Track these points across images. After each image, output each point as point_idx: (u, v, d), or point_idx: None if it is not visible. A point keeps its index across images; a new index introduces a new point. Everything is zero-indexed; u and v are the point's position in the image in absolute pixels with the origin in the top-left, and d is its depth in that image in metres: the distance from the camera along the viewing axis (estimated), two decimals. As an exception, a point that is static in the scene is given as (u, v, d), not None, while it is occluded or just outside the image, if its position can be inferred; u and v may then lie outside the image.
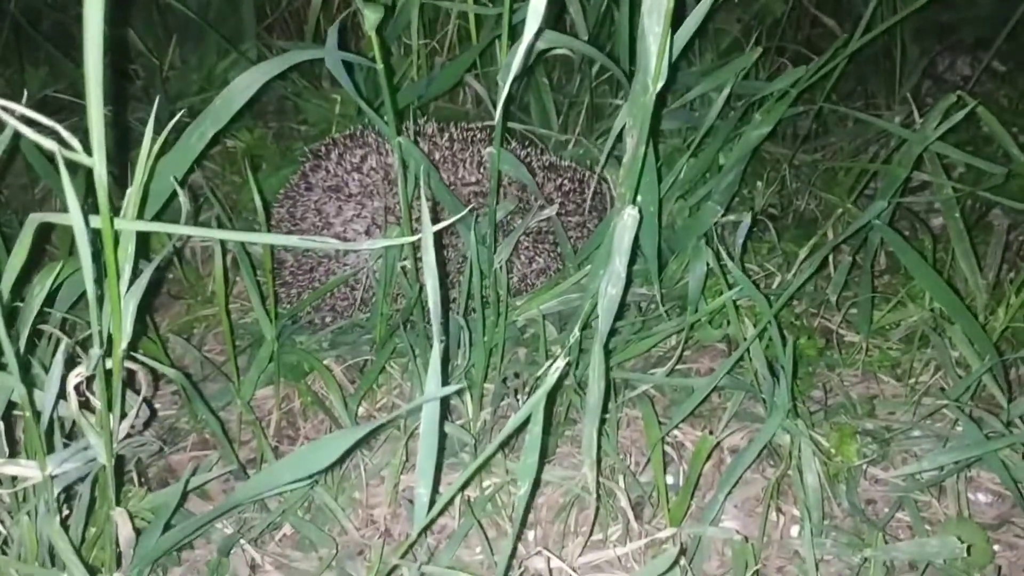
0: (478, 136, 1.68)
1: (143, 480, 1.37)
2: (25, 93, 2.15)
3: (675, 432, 1.51)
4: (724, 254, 1.46)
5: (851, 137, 2.33)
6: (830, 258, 1.79)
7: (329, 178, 1.62)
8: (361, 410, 1.55)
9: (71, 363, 0.94)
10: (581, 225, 1.69)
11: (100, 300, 0.82)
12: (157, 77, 2.27)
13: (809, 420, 1.47)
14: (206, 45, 2.30)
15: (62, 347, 0.85)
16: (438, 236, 1.58)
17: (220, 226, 1.49)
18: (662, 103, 1.83)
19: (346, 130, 2.10)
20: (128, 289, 0.80)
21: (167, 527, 1.04)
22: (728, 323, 1.51)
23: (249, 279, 1.48)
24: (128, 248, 0.80)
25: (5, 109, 0.62)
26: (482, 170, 1.62)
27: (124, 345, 0.80)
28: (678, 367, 1.62)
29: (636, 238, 1.41)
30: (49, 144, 0.65)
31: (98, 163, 0.67)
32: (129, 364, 0.91)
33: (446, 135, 1.65)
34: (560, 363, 0.91)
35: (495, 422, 1.47)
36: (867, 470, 1.44)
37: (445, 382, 0.93)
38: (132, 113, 2.20)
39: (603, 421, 1.44)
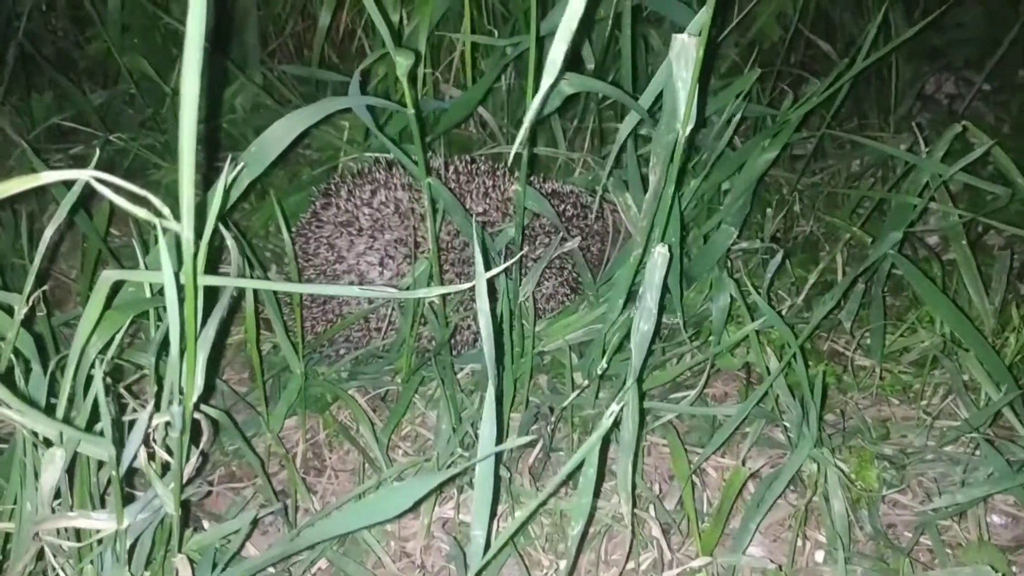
0: (482, 168, 1.71)
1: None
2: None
3: (693, 458, 1.54)
4: (750, 286, 1.49)
5: (849, 159, 2.39)
6: (837, 279, 1.84)
7: (340, 214, 1.64)
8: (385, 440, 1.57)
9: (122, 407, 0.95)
10: (584, 249, 1.71)
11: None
12: (165, 103, 2.27)
13: (830, 445, 1.51)
14: (211, 71, 2.30)
15: (149, 407, 0.85)
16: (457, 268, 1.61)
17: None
18: (692, 143, 1.86)
19: (352, 155, 2.13)
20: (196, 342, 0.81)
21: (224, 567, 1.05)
22: (748, 351, 1.55)
23: (275, 315, 1.49)
24: (198, 303, 0.81)
25: (103, 182, 0.63)
26: (488, 200, 1.65)
27: (195, 398, 0.82)
28: (694, 390, 1.65)
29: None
30: (142, 213, 0.67)
31: (186, 228, 0.69)
32: (196, 415, 0.92)
33: (451, 168, 1.67)
34: (614, 407, 0.94)
35: (522, 451, 1.48)
36: (885, 494, 1.48)
37: (501, 435, 0.95)
38: (142, 140, 2.19)
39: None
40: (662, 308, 1.51)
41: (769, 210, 1.90)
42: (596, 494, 1.33)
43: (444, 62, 2.26)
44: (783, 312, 1.81)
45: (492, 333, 0.95)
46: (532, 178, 1.78)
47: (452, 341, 1.64)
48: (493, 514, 0.98)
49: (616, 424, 1.19)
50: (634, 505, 1.40)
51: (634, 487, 1.25)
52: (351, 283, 1.62)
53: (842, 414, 1.61)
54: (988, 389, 1.48)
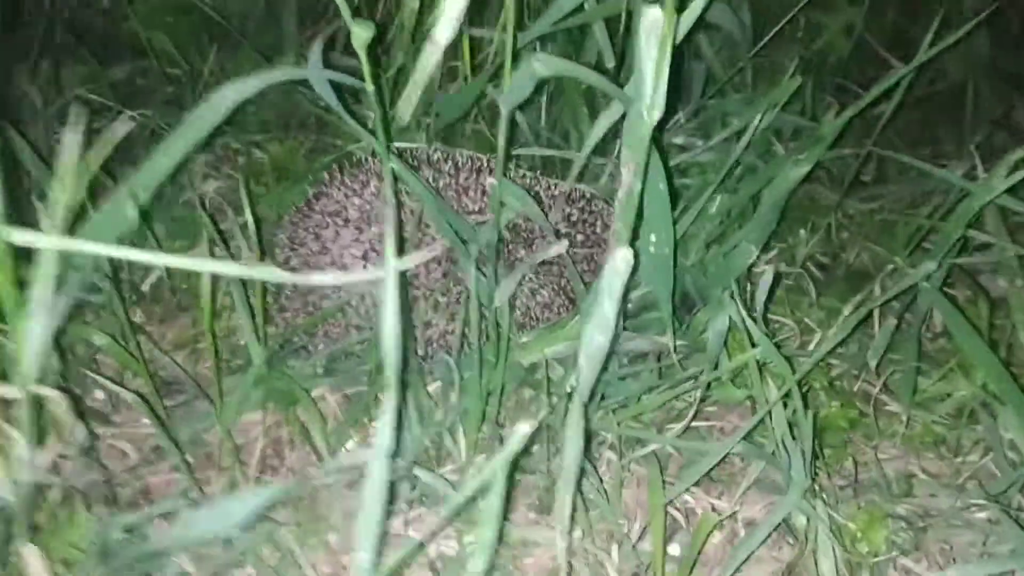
0: (485, 165, 1.59)
1: (111, 502, 1.31)
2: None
3: (686, 497, 1.38)
4: (752, 307, 1.34)
5: (912, 187, 2.19)
6: (875, 317, 1.65)
7: (330, 203, 1.55)
8: (352, 444, 1.45)
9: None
10: (589, 259, 1.58)
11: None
12: (190, 85, 2.23)
13: (836, 497, 1.34)
14: (241, 55, 2.25)
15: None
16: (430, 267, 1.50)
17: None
18: (661, 131, 1.69)
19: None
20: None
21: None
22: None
23: (240, 301, 1.41)
24: (48, 268, 0.72)
25: None
26: (486, 199, 1.54)
27: (34, 373, 0.72)
28: (701, 425, 1.50)
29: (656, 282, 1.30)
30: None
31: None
32: (45, 390, 0.82)
33: (450, 162, 1.56)
34: (527, 427, 0.80)
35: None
36: (897, 560, 1.29)
37: (399, 441, 0.82)
38: (164, 118, 2.16)
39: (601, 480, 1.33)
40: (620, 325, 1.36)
41: (803, 232, 1.72)
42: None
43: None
44: (810, 345, 1.64)
45: (395, 325, 0.83)
46: (544, 180, 1.65)
47: (429, 344, 1.53)
48: (385, 533, 0.86)
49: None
50: (599, 544, 1.27)
51: (564, 520, 1.10)
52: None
53: (855, 463, 1.42)
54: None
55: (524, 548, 1.29)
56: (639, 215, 1.14)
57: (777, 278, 1.69)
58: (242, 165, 2.18)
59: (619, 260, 0.97)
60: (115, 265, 1.62)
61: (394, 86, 1.98)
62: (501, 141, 1.19)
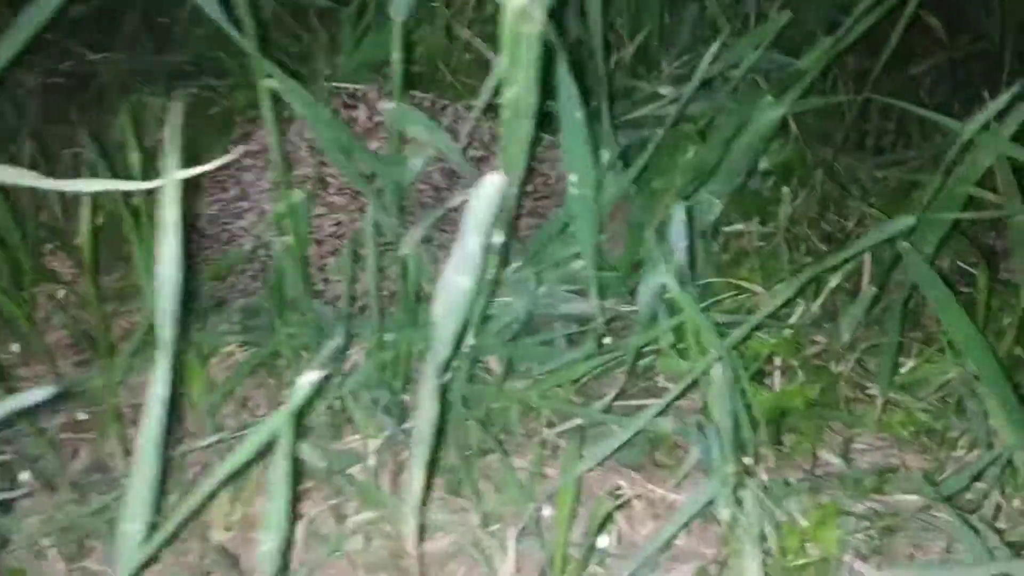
0: (438, 105, 1.43)
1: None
2: None
3: (620, 482, 1.22)
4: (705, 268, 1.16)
5: (936, 151, 1.96)
6: (864, 288, 1.46)
7: (255, 144, 1.42)
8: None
9: None
10: (536, 212, 1.41)
11: None
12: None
13: (786, 489, 1.15)
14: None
15: None
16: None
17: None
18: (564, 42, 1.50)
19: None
20: None
21: None
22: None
23: (138, 242, 1.28)
24: None
25: None
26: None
27: None
28: (654, 401, 1.33)
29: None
30: None
31: None
32: None
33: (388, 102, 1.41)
34: (312, 376, 0.65)
35: (391, 445, 1.20)
36: (853, 565, 1.10)
37: (174, 393, 0.68)
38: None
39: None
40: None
41: (786, 189, 1.51)
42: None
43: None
44: (791, 317, 1.45)
45: (174, 255, 0.69)
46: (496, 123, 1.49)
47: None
48: (158, 506, 0.72)
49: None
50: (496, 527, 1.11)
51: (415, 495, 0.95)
52: (253, 223, 1.41)
53: (812, 450, 1.23)
54: (1007, 439, 1.08)
55: (423, 531, 1.15)
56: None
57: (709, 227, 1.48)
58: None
59: (486, 185, 0.81)
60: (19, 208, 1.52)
61: (356, 20, 1.84)
62: (395, 55, 1.03)
